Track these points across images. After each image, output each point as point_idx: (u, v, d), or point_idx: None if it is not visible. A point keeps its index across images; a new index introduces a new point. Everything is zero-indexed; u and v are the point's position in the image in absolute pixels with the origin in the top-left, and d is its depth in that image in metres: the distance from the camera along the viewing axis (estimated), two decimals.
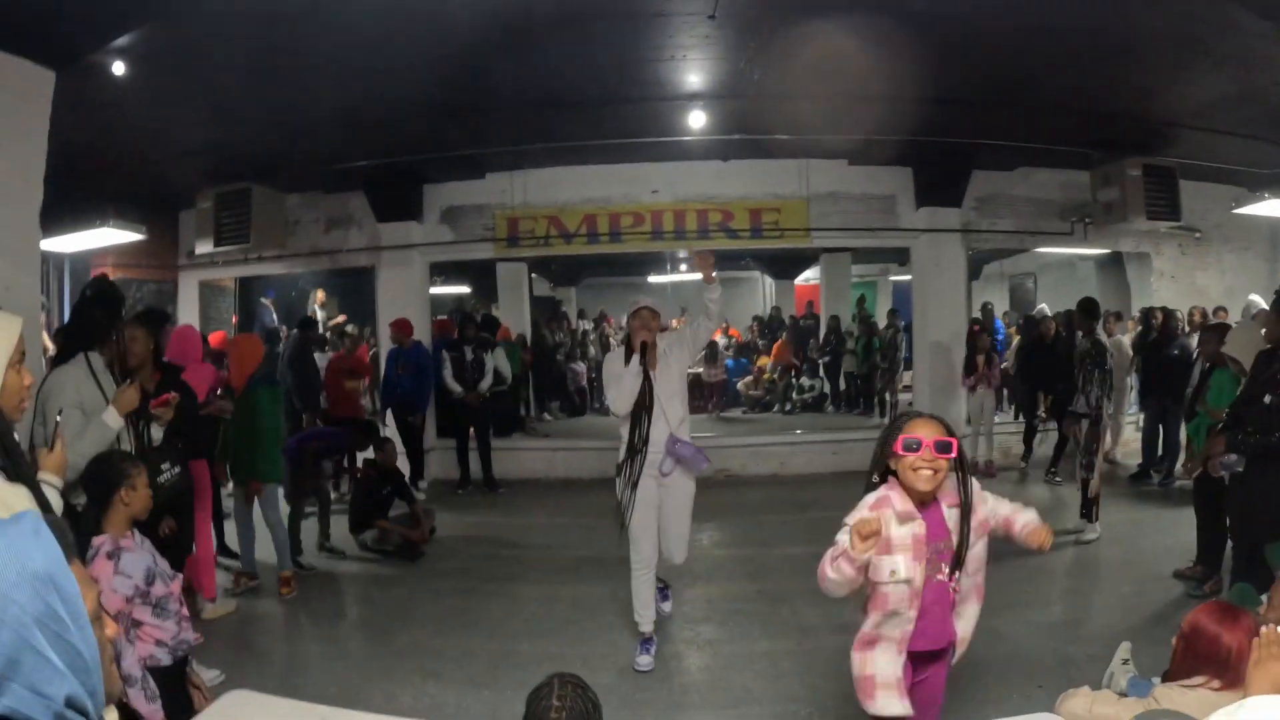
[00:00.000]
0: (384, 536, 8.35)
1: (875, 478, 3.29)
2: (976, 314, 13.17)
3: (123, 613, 3.55)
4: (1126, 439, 12.03)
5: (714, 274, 5.73)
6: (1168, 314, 10.90)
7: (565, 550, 8.49)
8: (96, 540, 3.67)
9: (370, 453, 9.00)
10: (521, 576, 7.68)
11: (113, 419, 4.57)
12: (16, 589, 1.20)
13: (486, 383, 11.21)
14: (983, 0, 6.40)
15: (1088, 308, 8.70)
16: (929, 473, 3.08)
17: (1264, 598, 4.00)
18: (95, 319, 5.00)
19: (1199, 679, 3.05)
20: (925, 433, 3.09)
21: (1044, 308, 14.52)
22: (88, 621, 1.31)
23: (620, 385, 5.67)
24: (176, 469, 5.24)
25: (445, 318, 13.94)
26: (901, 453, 3.09)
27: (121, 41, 6.34)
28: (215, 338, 11.92)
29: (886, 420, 13.78)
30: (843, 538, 3.05)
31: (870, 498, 3.22)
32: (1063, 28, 6.88)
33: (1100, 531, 8.20)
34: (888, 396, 14.94)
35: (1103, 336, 8.61)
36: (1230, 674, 2.97)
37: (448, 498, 10.82)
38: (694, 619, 6.57)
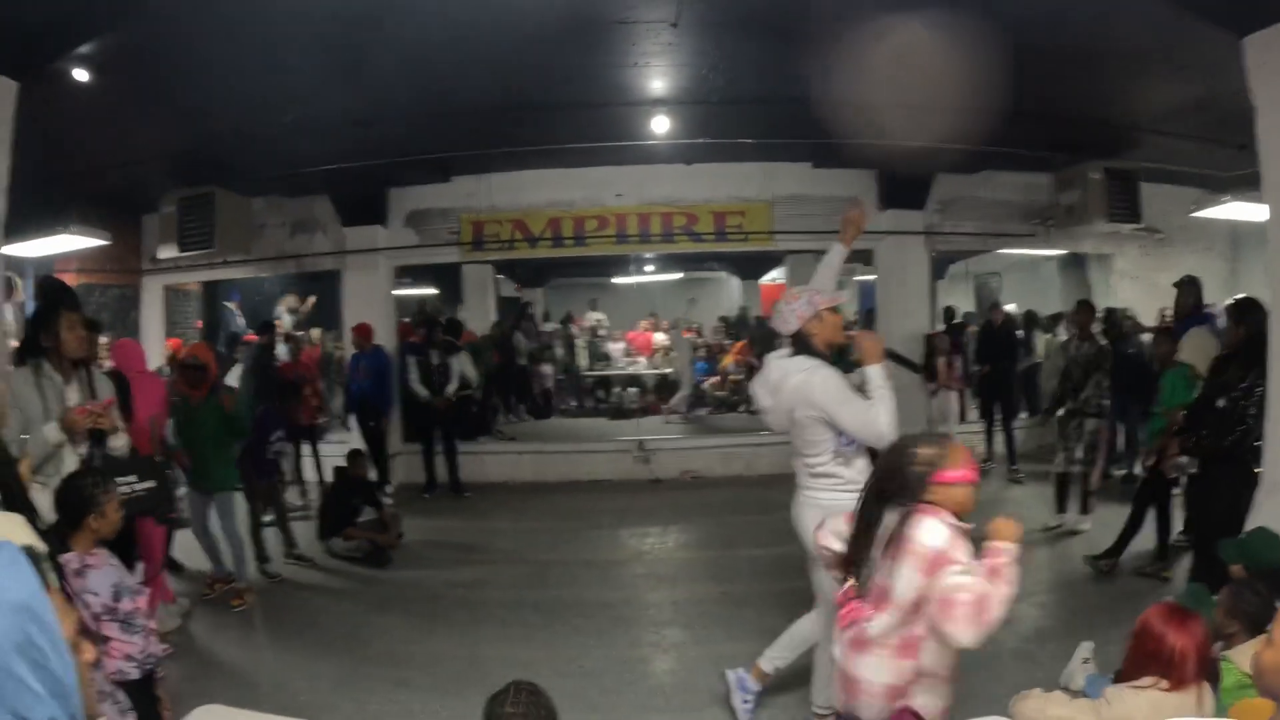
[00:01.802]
0: (353, 543, 8.36)
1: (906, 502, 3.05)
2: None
3: (90, 630, 3.55)
4: None
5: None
6: (1116, 313, 11.14)
7: (531, 555, 8.51)
8: (63, 558, 3.67)
9: (342, 461, 8.94)
10: (489, 581, 7.69)
11: (53, 433, 4.54)
12: None
13: (453, 387, 11.20)
14: (945, 6, 6.46)
15: (1087, 308, 8.94)
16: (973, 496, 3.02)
17: (1215, 599, 4.07)
18: (39, 324, 4.93)
19: (1149, 679, 3.10)
20: (967, 455, 3.05)
21: (1011, 308, 14.70)
22: (67, 649, 1.35)
23: (890, 402, 4.28)
24: (150, 483, 5.16)
25: (408, 321, 13.86)
26: (969, 478, 3.01)
27: (84, 48, 6.31)
28: (172, 344, 11.94)
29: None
30: (960, 579, 2.83)
31: (943, 530, 2.94)
32: (1026, 34, 6.96)
33: (1089, 526, 8.46)
34: None
35: (1101, 340, 8.74)
36: (1175, 674, 3.03)
37: (414, 502, 10.78)
38: (659, 621, 6.60)
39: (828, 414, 4.27)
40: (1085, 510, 8.55)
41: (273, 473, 8.48)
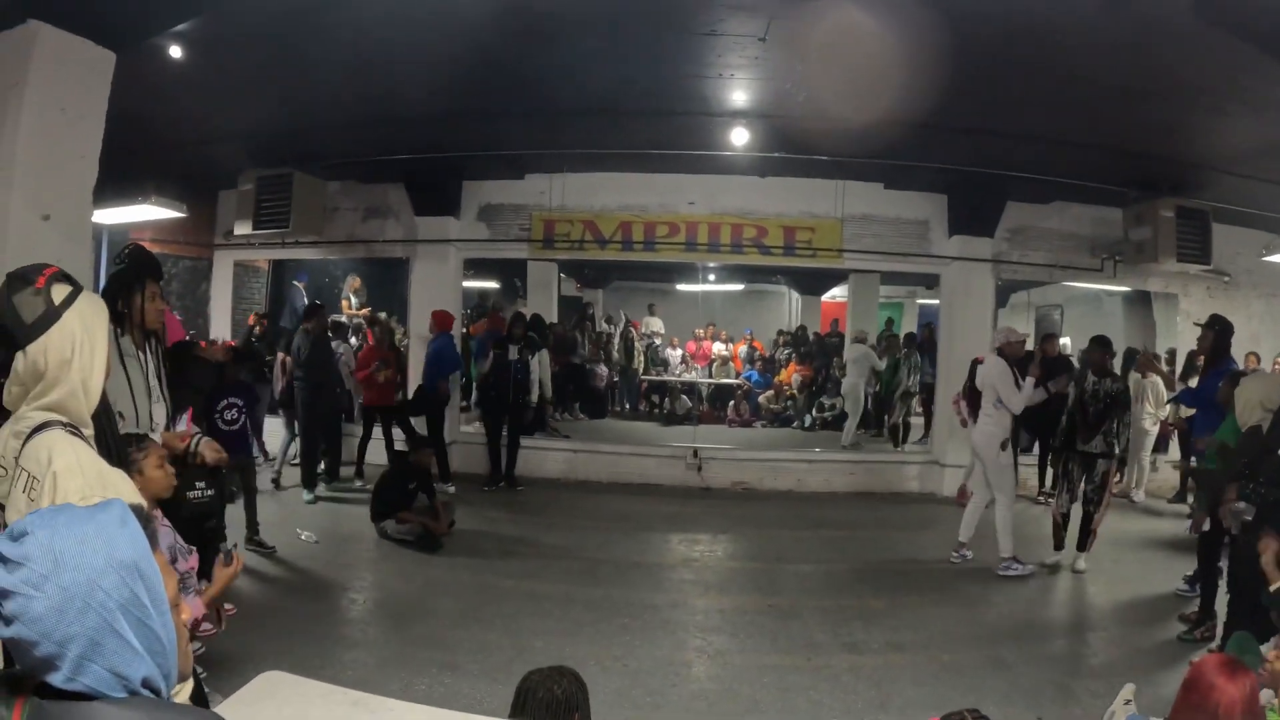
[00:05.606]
0: (405, 527, 8.48)
1: None
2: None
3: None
4: (1150, 478, 12.01)
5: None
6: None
7: (582, 552, 8.57)
8: None
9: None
10: (538, 575, 7.76)
11: (159, 414, 4.48)
12: (104, 576, 1.32)
13: (536, 393, 11.60)
14: (1028, 36, 6.46)
15: (1103, 344, 8.61)
16: None
17: (1264, 648, 4.05)
18: (120, 290, 4.59)
19: None
20: None
21: (1065, 341, 14.52)
22: (168, 608, 1.43)
23: (1027, 392, 8.31)
24: (210, 491, 5.24)
25: (499, 314, 13.93)
26: None
27: (182, 26, 6.45)
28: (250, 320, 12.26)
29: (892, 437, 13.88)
30: None
31: None
32: (1105, 68, 6.95)
33: (1087, 565, 8.31)
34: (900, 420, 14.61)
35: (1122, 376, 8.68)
36: None
37: (469, 492, 10.88)
38: (706, 628, 6.63)
39: (996, 387, 8.32)
40: (1084, 548, 8.32)
41: (235, 449, 7.38)
